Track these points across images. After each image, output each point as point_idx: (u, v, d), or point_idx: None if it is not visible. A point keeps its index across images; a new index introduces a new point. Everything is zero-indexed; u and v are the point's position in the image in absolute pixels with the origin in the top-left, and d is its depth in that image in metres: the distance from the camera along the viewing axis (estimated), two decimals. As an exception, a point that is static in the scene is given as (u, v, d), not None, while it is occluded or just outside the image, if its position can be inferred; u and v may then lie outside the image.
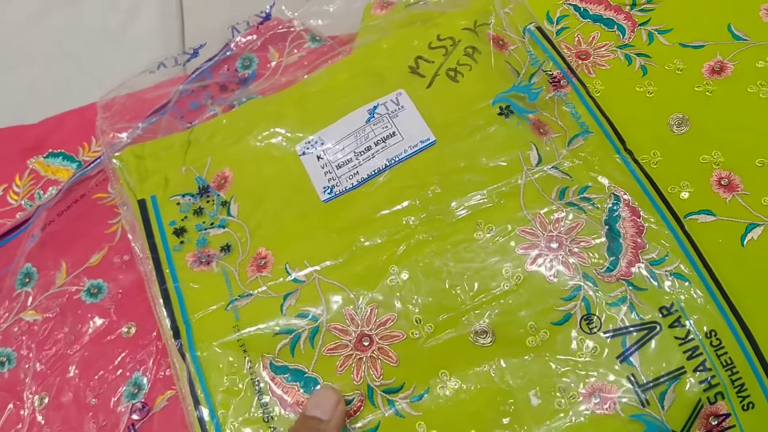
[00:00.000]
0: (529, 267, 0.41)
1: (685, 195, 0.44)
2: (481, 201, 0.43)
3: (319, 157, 0.48)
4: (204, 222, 0.48)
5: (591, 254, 0.41)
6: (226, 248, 0.47)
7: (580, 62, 0.51)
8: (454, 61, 0.48)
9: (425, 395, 0.40)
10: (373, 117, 0.48)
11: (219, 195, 0.49)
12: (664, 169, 0.45)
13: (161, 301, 0.45)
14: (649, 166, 0.45)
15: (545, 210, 0.42)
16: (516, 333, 0.40)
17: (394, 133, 0.47)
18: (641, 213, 0.41)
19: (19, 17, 0.68)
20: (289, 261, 0.45)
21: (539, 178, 0.43)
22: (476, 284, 0.41)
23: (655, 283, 0.40)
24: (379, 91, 0.49)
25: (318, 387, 0.41)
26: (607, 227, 0.41)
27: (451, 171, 0.45)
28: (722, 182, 0.44)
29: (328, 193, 0.47)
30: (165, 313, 0.45)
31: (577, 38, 0.52)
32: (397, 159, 0.46)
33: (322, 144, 0.49)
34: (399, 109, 0.48)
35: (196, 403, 0.42)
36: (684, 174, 0.45)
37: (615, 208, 0.42)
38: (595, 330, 0.39)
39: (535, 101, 0.46)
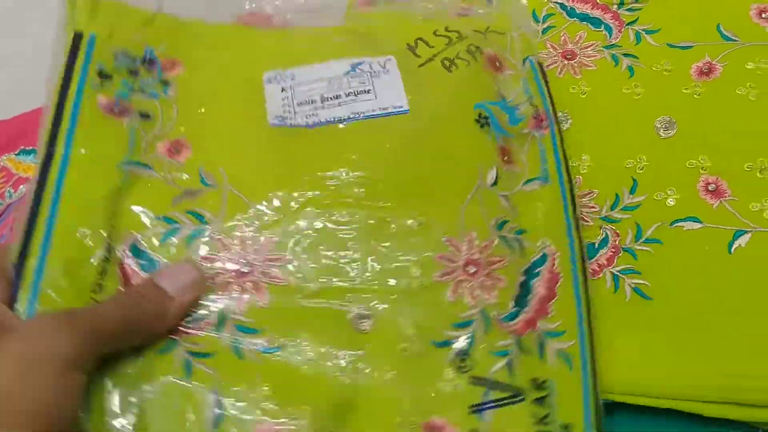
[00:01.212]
0: (437, 278, 0.38)
1: (671, 202, 0.43)
2: (425, 193, 0.40)
3: (283, 89, 0.45)
4: (134, 84, 0.43)
5: (499, 295, 0.38)
6: (146, 116, 0.42)
7: (566, 62, 0.49)
8: (454, 53, 0.46)
9: (276, 351, 0.36)
10: (354, 71, 0.45)
11: (162, 72, 0.44)
12: (650, 175, 0.44)
13: (49, 125, 0.39)
14: (634, 172, 0.44)
15: (480, 231, 0.39)
16: (393, 333, 0.37)
17: (369, 90, 0.44)
18: (560, 281, 0.39)
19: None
20: (205, 164, 0.41)
21: (487, 199, 0.41)
22: (379, 269, 0.38)
23: (540, 354, 0.38)
24: (369, 52, 0.46)
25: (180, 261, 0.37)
26: (524, 278, 0.39)
27: (409, 150, 0.42)
28: (709, 188, 0.43)
29: (279, 120, 0.43)
30: (47, 136, 0.39)
31: (563, 37, 0.51)
32: (362, 115, 0.43)
33: (293, 79, 0.45)
34: (383, 71, 0.45)
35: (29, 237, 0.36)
36: (670, 179, 0.44)
37: (539, 263, 0.40)
38: (464, 370, 0.36)
39: (514, 126, 0.44)
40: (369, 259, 0.38)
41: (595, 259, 0.43)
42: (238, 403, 0.34)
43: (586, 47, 0.50)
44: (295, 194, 0.39)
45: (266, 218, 0.39)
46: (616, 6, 0.51)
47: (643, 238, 0.42)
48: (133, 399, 0.34)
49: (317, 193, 0.39)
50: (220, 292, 0.37)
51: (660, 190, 0.43)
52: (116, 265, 0.37)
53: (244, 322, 0.36)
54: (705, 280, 0.40)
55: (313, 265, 0.38)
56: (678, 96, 0.46)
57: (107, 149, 0.40)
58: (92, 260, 0.36)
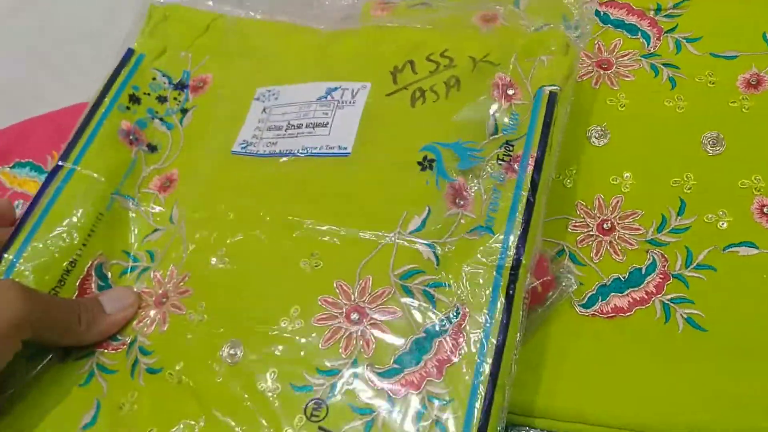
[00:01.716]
0: (315, 321, 0.36)
1: (723, 225, 0.40)
2: (331, 235, 0.39)
3: (264, 110, 0.46)
4: (158, 112, 0.48)
5: (378, 348, 0.35)
6: (153, 148, 0.47)
7: (601, 72, 0.47)
8: (430, 84, 0.43)
9: (157, 372, 0.38)
10: (326, 98, 0.44)
11: (188, 99, 0.49)
12: (698, 195, 0.41)
13: (71, 136, 0.45)
14: (681, 191, 0.41)
15: (377, 278, 0.37)
16: (256, 370, 0.36)
17: (327, 124, 0.43)
18: (463, 344, 0.34)
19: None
20: (180, 199, 0.44)
21: (403, 246, 0.37)
22: (264, 308, 0.38)
23: (417, 420, 0.33)
24: (352, 74, 0.45)
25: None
26: (423, 335, 0.35)
27: (336, 194, 0.40)
28: (765, 210, 0.40)
29: (242, 148, 0.45)
30: (65, 146, 0.44)
31: (597, 45, 0.48)
32: (308, 151, 0.42)
33: (276, 99, 0.46)
34: (350, 103, 0.44)
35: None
36: (721, 200, 0.41)
37: (448, 321, 0.35)
38: (316, 419, 0.34)
39: (465, 169, 0.39)
40: (258, 298, 0.38)
41: (642, 286, 0.40)
42: (109, 415, 0.37)
43: (623, 56, 0.47)
44: (216, 234, 0.41)
45: (188, 255, 0.41)
46: (653, 12, 0.48)
47: (694, 264, 0.40)
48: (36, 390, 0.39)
49: (238, 234, 0.41)
50: (141, 318, 0.40)
51: (710, 212, 0.41)
52: (77, 278, 0.41)
53: (146, 345, 0.39)
54: (763, 310, 0.37)
55: (208, 300, 0.39)
56: (725, 110, 0.43)
57: (107, 174, 0.44)
58: (57, 269, 0.41)
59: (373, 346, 0.35)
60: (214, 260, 0.40)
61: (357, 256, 0.38)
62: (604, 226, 0.42)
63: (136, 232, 0.45)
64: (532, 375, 0.38)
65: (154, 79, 0.49)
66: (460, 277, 0.36)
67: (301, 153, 0.43)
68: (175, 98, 0.49)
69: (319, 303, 0.37)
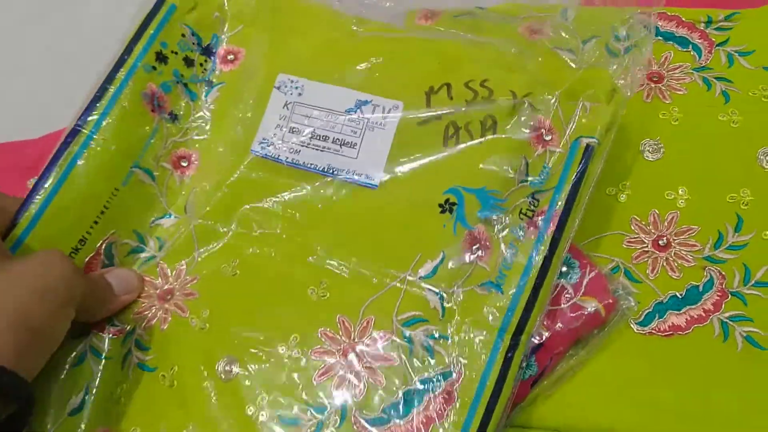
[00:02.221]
0: (313, 354, 0.36)
1: (783, 242, 0.40)
2: (342, 266, 0.38)
3: (285, 104, 0.43)
4: (183, 76, 0.44)
5: (369, 393, 0.35)
6: (174, 117, 0.43)
7: (653, 86, 0.46)
8: (465, 120, 0.40)
9: (150, 371, 0.38)
10: (354, 111, 0.42)
11: (215, 70, 0.45)
12: (756, 211, 0.41)
13: (90, 95, 0.41)
14: (738, 207, 0.41)
15: (380, 320, 0.36)
16: (248, 393, 0.36)
17: (355, 144, 0.41)
18: (452, 405, 0.34)
19: (13, 19, 0.62)
20: (199, 188, 0.42)
21: (410, 291, 0.37)
22: (265, 329, 0.38)
23: None
24: (385, 87, 0.43)
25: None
26: (415, 387, 0.35)
27: (352, 222, 0.40)
28: (824, 228, 0.40)
29: (261, 147, 0.42)
30: (84, 105, 0.40)
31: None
32: (334, 174, 0.41)
33: (299, 94, 0.43)
34: (380, 125, 0.41)
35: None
36: (780, 217, 0.40)
37: (443, 378, 0.35)
38: None
39: (484, 218, 0.38)
40: (260, 318, 0.38)
41: (699, 304, 0.39)
42: (96, 404, 0.36)
43: (674, 69, 0.47)
44: (231, 242, 0.40)
45: (200, 257, 0.40)
46: (703, 24, 0.48)
47: (753, 281, 0.39)
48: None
49: (253, 248, 0.40)
50: (142, 309, 0.39)
51: (768, 229, 0.40)
52: (86, 255, 0.39)
53: (143, 340, 0.38)
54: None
55: (213, 309, 0.39)
56: (781, 125, 0.43)
57: (127, 145, 0.41)
58: (66, 247, 0.38)
59: (365, 390, 0.35)
60: (225, 269, 0.40)
61: (364, 293, 0.37)
62: (660, 242, 0.41)
63: (149, 211, 0.42)
64: (589, 395, 0.38)
65: (183, 36, 0.44)
66: (461, 333, 0.36)
67: (326, 173, 0.41)
68: (201, 64, 0.45)
69: (319, 335, 0.37)
